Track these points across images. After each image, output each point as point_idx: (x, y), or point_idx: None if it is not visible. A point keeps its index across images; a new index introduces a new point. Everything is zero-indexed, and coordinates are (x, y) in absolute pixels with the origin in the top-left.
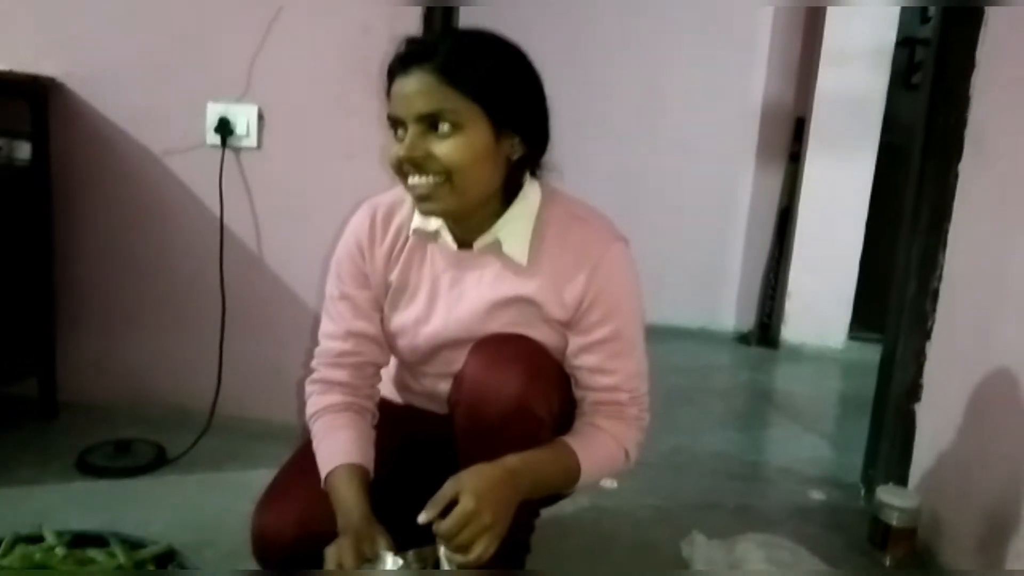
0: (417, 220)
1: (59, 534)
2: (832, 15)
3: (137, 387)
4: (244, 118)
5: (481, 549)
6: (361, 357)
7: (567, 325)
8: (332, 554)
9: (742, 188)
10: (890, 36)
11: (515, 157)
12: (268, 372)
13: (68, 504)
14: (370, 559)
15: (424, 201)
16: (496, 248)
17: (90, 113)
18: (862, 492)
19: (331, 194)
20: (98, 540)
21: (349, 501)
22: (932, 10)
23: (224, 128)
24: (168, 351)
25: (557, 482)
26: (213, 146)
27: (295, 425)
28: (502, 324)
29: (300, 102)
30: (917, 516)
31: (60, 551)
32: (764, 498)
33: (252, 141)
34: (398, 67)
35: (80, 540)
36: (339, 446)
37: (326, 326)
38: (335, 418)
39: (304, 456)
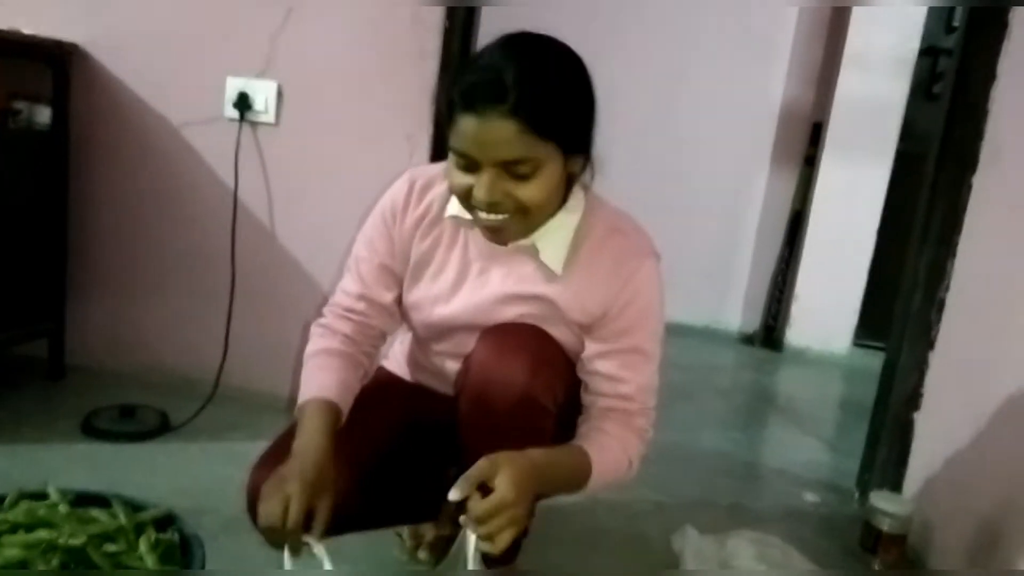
0: (454, 207)
1: (63, 492)
2: (856, 21)
3: (144, 354)
4: (263, 94)
5: (507, 540)
6: (369, 320)
7: (587, 329)
8: (275, 497)
9: (755, 189)
10: (913, 45)
11: (577, 172)
12: (274, 346)
13: (72, 465)
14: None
15: (495, 233)
16: (532, 250)
17: (111, 81)
18: (856, 497)
19: (346, 174)
20: (101, 500)
21: (312, 433)
22: (958, 18)
23: (243, 103)
24: (176, 320)
25: (569, 484)
26: (231, 120)
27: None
28: (518, 315)
29: (320, 81)
30: (909, 523)
31: (63, 508)
32: (758, 497)
33: (270, 117)
34: (467, 104)
35: (83, 500)
36: (320, 383)
37: (345, 281)
38: (328, 360)
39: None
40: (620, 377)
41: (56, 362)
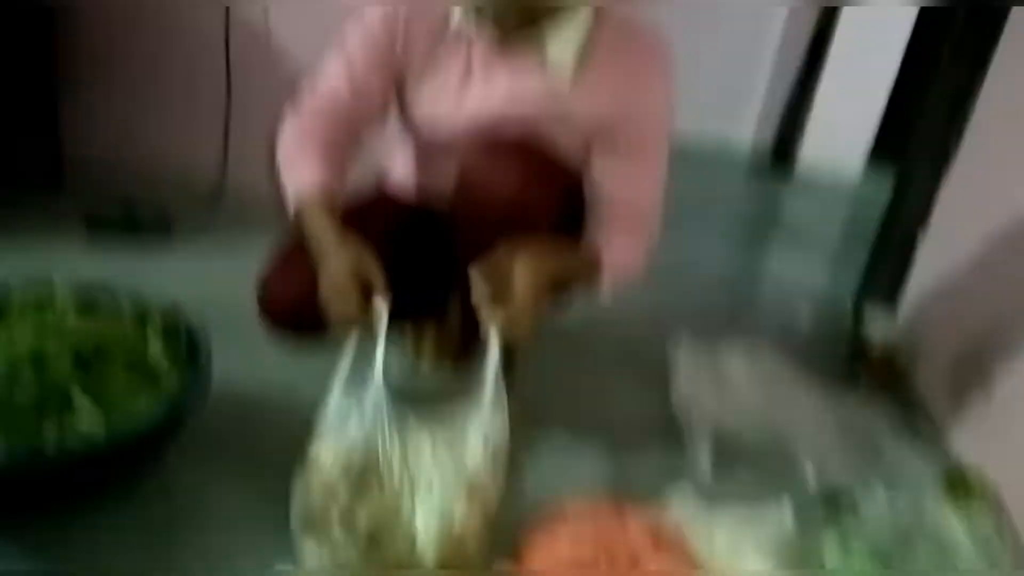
0: (457, 13)
1: (69, 286)
2: None
3: (144, 153)
4: None
5: (528, 330)
6: (354, 113)
7: (594, 135)
8: (338, 298)
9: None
10: None
11: None
12: (274, 144)
13: (75, 262)
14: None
15: (497, 24)
16: (540, 49)
17: None
18: (851, 314)
19: None
20: (107, 296)
21: (329, 226)
22: None
23: None
24: (174, 118)
25: (579, 282)
26: None
27: None
28: (523, 118)
29: None
30: (899, 339)
31: (70, 302)
32: (755, 312)
33: None
34: None
35: (89, 295)
36: (308, 171)
37: (328, 69)
38: (313, 148)
39: None
40: (628, 183)
41: (55, 160)
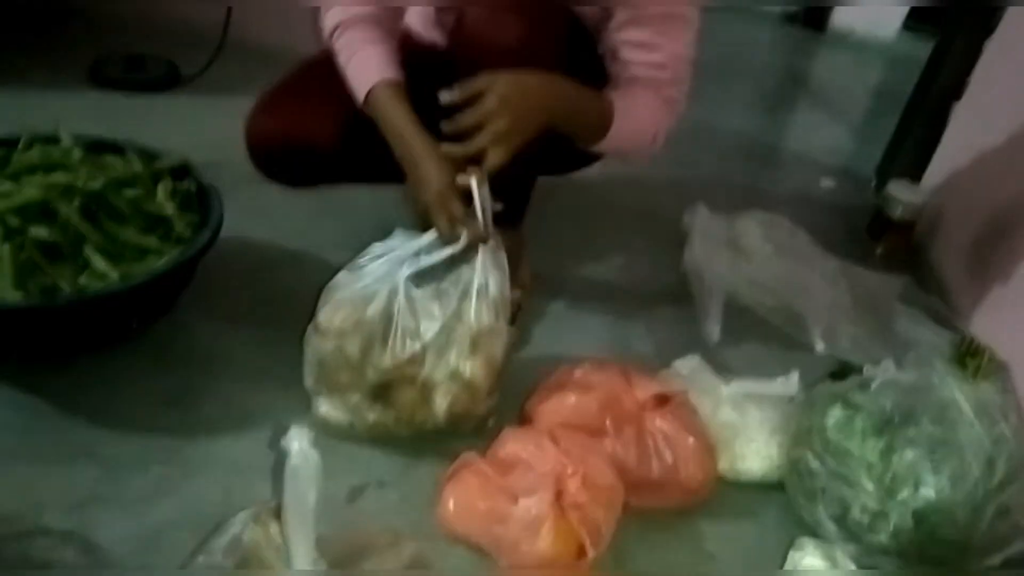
0: None
1: (76, 138)
2: None
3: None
4: None
5: (497, 158)
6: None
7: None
8: (442, 196)
9: None
10: None
11: None
12: None
13: (81, 113)
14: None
15: None
16: None
17: None
18: (873, 185)
19: None
20: (114, 148)
21: (409, 120)
22: None
23: None
24: None
25: (589, 122)
26: None
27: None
28: None
29: None
30: (919, 212)
31: (77, 153)
32: (775, 180)
33: None
34: None
35: (96, 147)
36: (378, 59)
37: None
38: (366, 30)
39: (306, 67)
40: (652, 44)
41: (57, 6)
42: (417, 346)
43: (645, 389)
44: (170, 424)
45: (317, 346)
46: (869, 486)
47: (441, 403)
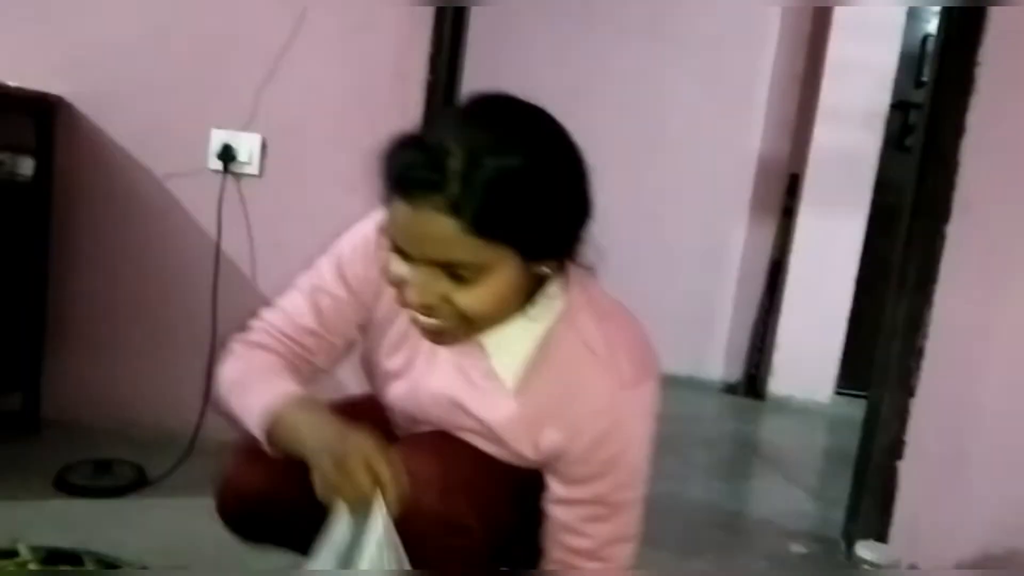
0: None
1: (34, 549)
2: (829, 75)
3: (122, 408)
4: (247, 146)
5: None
6: (312, 356)
7: (542, 464)
8: (348, 481)
9: (735, 239)
10: (885, 99)
11: (546, 273)
12: None
13: (45, 522)
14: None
15: (435, 336)
16: (484, 351)
17: (95, 132)
18: (842, 547)
19: (329, 226)
20: (72, 558)
21: (318, 417)
22: (926, 75)
23: (227, 155)
24: (155, 374)
25: None
26: (215, 171)
27: None
28: (457, 427)
29: (304, 134)
30: (895, 573)
31: (33, 566)
32: (745, 549)
33: (254, 168)
34: (399, 188)
35: (54, 557)
36: (286, 385)
37: (295, 303)
38: (274, 364)
39: None
40: (579, 530)
41: (31, 416)
42: None
43: None
44: None
45: None
46: None
47: None
